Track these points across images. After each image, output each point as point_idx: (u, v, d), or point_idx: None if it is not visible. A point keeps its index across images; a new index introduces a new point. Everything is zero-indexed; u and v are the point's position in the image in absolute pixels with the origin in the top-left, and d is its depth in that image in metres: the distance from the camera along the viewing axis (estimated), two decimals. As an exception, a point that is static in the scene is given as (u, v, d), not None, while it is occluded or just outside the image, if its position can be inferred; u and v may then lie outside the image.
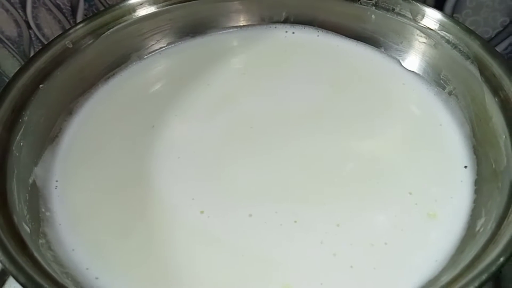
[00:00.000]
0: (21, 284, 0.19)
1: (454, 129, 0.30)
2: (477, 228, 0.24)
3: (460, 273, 0.21)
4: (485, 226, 0.24)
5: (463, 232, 0.25)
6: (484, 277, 0.19)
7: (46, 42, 0.49)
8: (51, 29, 0.47)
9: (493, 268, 0.19)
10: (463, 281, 0.20)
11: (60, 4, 0.45)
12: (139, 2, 0.35)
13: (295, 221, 0.26)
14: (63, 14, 0.46)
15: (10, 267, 0.19)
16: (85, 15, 0.45)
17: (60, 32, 0.46)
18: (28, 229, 0.24)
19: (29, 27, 0.48)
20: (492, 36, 0.39)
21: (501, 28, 0.38)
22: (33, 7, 0.46)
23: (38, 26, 0.48)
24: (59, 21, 0.46)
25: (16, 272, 0.19)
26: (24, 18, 0.47)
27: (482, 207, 0.25)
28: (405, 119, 0.31)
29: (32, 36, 0.49)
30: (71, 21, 0.46)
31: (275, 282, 0.24)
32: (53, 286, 0.20)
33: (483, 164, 0.27)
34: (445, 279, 0.21)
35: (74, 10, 0.45)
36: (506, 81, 0.27)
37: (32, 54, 0.51)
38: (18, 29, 0.48)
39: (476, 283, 0.19)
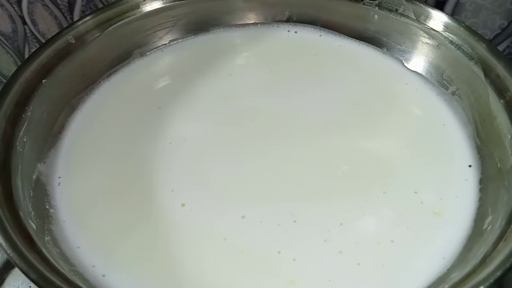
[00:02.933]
0: (32, 280, 0.18)
1: (457, 129, 0.30)
2: (485, 226, 0.24)
3: (473, 270, 0.21)
4: (493, 224, 0.24)
5: (470, 230, 0.25)
6: (498, 273, 0.19)
7: (41, 38, 0.48)
8: (47, 25, 0.47)
9: (507, 265, 0.20)
10: (476, 278, 0.20)
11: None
12: (142, -2, 0.35)
13: (295, 221, 0.26)
14: (60, 10, 0.45)
15: (20, 264, 0.19)
16: (83, 12, 0.45)
17: (56, 28, 0.46)
18: (34, 226, 0.24)
19: (24, 23, 0.47)
20: (491, 38, 0.39)
21: (499, 31, 0.39)
22: (29, 3, 0.45)
23: (33, 22, 0.47)
24: (56, 17, 0.46)
25: (27, 269, 0.19)
26: (19, 13, 0.46)
27: (488, 206, 0.25)
28: (408, 119, 0.32)
29: (27, 31, 0.48)
30: (68, 17, 0.45)
31: (281, 278, 0.24)
32: (64, 282, 0.20)
33: (487, 163, 0.28)
34: (456, 276, 0.22)
35: (71, 6, 0.44)
36: (511, 82, 0.27)
37: (26, 50, 0.50)
38: (12, 24, 0.47)
39: (491, 279, 0.19)
